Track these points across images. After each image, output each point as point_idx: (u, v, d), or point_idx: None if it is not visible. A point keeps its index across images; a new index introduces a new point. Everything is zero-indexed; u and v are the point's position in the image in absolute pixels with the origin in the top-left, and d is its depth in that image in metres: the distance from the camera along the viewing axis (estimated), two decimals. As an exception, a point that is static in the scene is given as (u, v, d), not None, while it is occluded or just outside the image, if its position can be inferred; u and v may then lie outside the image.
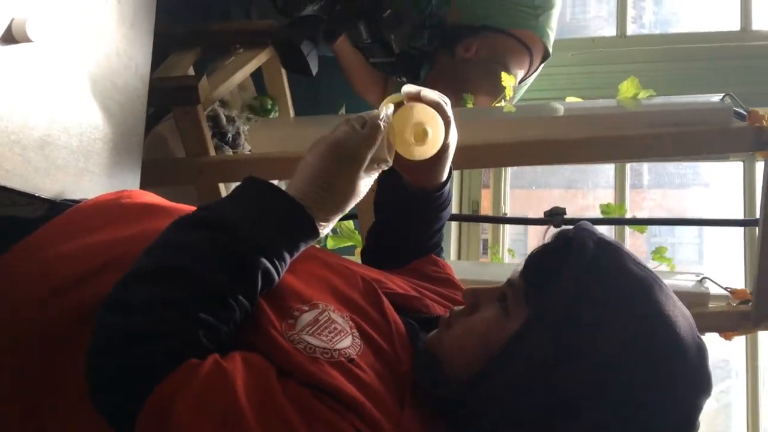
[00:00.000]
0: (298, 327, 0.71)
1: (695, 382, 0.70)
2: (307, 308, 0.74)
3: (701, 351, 0.70)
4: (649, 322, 0.69)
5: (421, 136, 0.85)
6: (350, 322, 0.74)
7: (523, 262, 0.76)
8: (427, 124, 0.85)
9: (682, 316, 0.70)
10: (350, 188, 0.79)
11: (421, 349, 0.76)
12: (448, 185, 0.99)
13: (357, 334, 0.73)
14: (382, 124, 0.80)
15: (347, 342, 0.71)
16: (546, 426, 0.68)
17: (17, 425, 0.75)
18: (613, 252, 0.73)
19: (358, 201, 0.81)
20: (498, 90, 1.61)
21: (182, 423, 0.61)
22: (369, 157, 0.79)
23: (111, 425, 0.66)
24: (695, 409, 0.70)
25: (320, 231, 0.78)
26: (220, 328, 0.68)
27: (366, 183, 0.81)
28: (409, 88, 0.88)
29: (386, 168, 0.84)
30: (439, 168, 0.95)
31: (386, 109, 0.83)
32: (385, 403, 0.68)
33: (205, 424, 0.61)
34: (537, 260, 0.75)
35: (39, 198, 0.96)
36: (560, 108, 1.51)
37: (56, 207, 0.95)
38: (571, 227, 0.76)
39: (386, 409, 0.67)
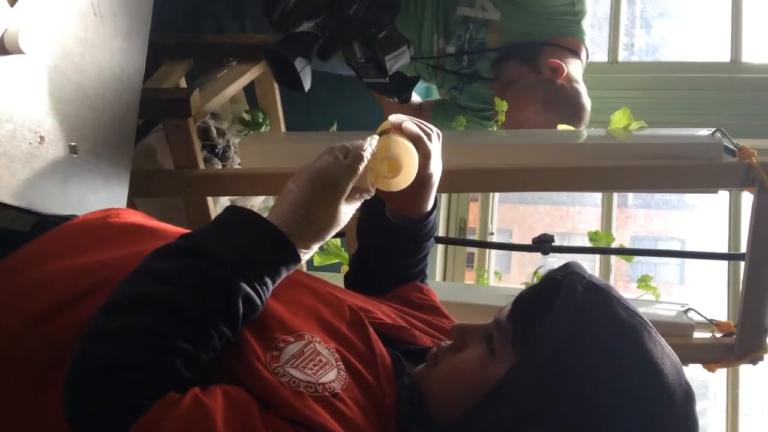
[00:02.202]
0: (283, 359, 0.70)
1: (682, 429, 0.70)
2: (292, 339, 0.73)
3: (688, 398, 0.70)
4: (636, 371, 0.69)
5: (394, 168, 0.85)
6: (336, 354, 0.74)
7: (510, 304, 0.76)
8: (401, 157, 0.85)
9: (670, 363, 0.71)
10: (331, 217, 0.79)
11: (407, 385, 0.76)
12: (433, 215, 0.98)
13: (342, 366, 0.73)
14: (365, 154, 0.80)
15: (332, 375, 0.71)
16: None
17: None
18: (602, 297, 0.73)
19: (339, 229, 0.81)
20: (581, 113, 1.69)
21: None
22: (350, 186, 0.80)
23: None
24: None
25: (301, 257, 0.78)
26: (200, 356, 0.67)
27: (347, 212, 0.81)
28: (394, 118, 0.88)
29: (369, 197, 0.84)
30: (423, 198, 0.95)
31: (371, 139, 0.84)
32: None
33: None
34: (525, 304, 0.75)
35: (25, 210, 0.94)
36: (551, 135, 1.51)
37: (43, 222, 0.94)
38: (561, 266, 0.76)
39: None
